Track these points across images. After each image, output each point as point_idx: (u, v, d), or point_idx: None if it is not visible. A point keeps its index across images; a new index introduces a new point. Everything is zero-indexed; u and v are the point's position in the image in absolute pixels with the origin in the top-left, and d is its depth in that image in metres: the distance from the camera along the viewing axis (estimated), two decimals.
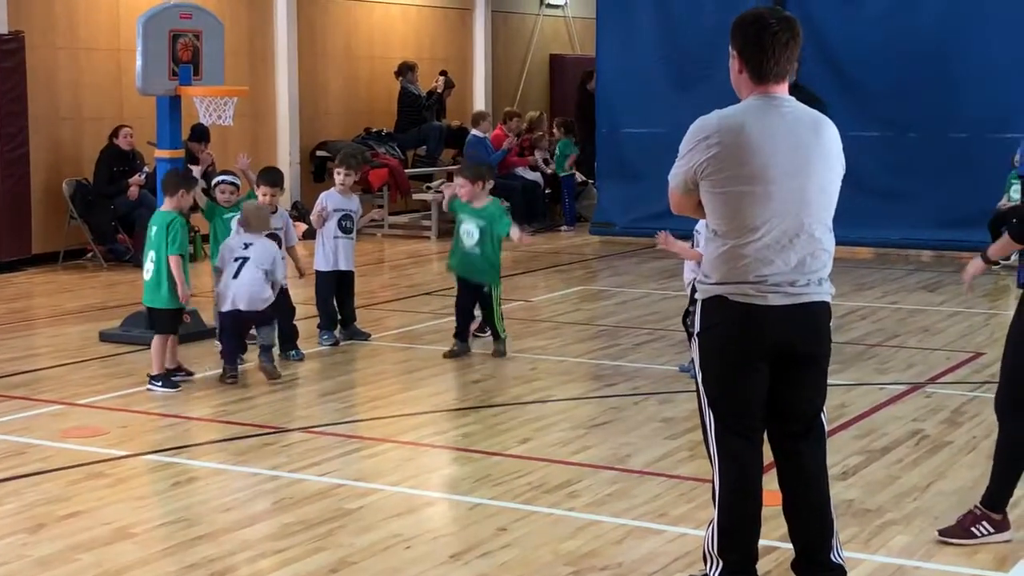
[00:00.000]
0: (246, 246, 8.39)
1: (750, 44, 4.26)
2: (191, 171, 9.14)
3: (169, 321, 8.27)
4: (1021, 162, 12.22)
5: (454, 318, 9.28)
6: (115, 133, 13.67)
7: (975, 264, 5.55)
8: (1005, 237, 5.42)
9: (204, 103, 9.68)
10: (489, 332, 9.31)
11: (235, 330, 8.46)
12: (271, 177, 9.19)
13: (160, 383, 8.11)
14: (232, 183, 9.31)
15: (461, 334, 9.20)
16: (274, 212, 9.06)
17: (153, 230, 8.24)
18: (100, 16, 14.37)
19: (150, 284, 8.21)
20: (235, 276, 8.30)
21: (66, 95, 14.13)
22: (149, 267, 8.20)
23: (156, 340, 8.20)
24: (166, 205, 8.37)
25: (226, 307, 8.33)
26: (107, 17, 14.43)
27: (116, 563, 5.21)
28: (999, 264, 6.49)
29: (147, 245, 8.30)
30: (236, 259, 8.34)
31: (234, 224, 8.78)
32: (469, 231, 9.13)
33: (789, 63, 4.27)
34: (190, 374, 8.42)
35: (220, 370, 8.47)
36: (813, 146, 4.27)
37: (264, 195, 9.02)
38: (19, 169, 13.27)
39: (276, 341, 8.65)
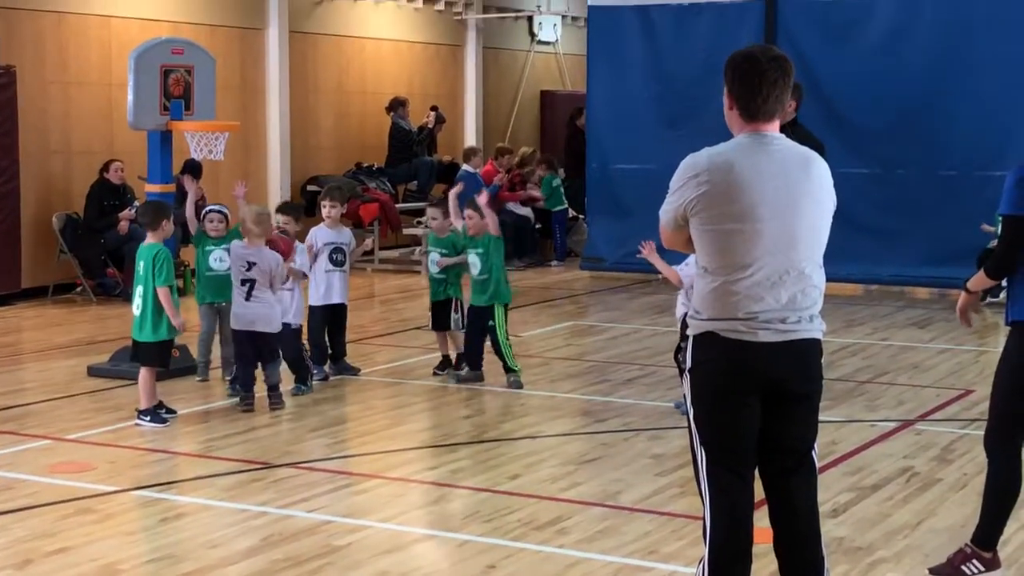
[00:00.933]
0: (250, 266, 8.45)
1: (740, 82, 4.28)
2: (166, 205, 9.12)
3: (157, 355, 8.22)
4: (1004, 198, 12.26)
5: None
6: (106, 167, 13.68)
7: (962, 299, 5.55)
8: (981, 271, 5.43)
9: (195, 138, 9.70)
10: (466, 367, 9.45)
11: (252, 354, 8.54)
12: (289, 207, 9.46)
13: (148, 418, 8.09)
14: (221, 212, 9.29)
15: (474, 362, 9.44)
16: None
17: (140, 265, 8.21)
18: (91, 51, 14.41)
19: (139, 318, 8.17)
20: (247, 299, 8.44)
21: (57, 129, 14.14)
22: (138, 302, 8.18)
23: (144, 374, 8.16)
24: (150, 239, 8.32)
25: (236, 325, 8.50)
26: (98, 52, 14.46)
27: None
28: (985, 299, 6.48)
29: (135, 280, 8.28)
30: (243, 282, 8.45)
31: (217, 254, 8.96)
32: (474, 262, 9.36)
33: (779, 102, 4.29)
34: (171, 411, 8.34)
35: (207, 405, 8.47)
36: (802, 184, 4.28)
37: (285, 223, 9.16)
38: (9, 203, 13.27)
39: (280, 378, 8.72)
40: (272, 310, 8.50)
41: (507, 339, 9.30)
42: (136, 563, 5.66)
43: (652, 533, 6.00)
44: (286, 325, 8.82)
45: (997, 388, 5.29)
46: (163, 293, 8.08)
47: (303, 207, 9.61)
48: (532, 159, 18.30)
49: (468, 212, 9.49)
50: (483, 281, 9.29)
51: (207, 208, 9.46)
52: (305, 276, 9.18)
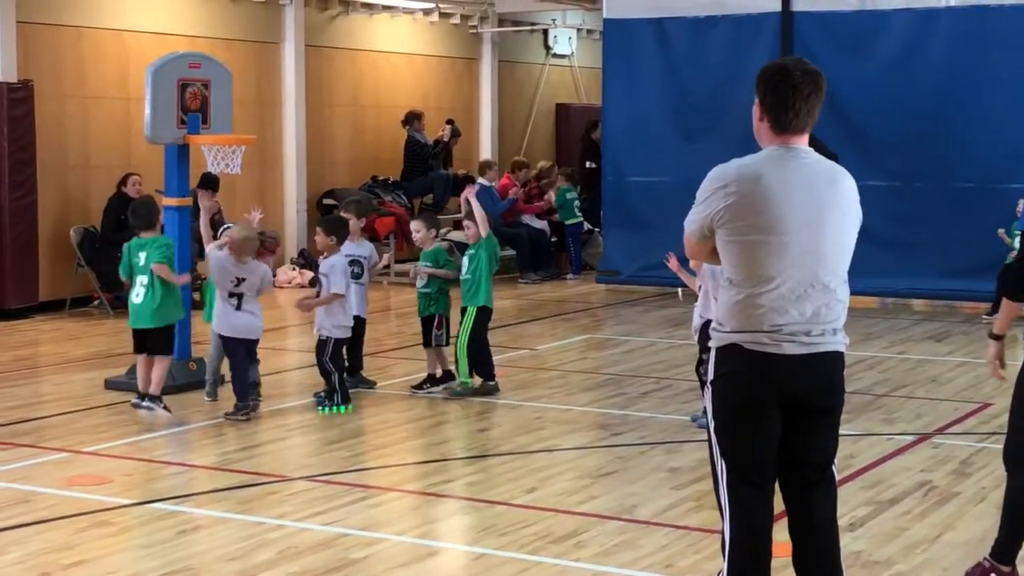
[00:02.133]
0: (239, 281, 8.65)
1: (772, 94, 4.27)
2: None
3: (169, 341, 8.59)
4: (1023, 214, 12.24)
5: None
6: (123, 181, 13.73)
7: (993, 348, 5.42)
8: (1003, 305, 5.36)
9: (212, 151, 9.72)
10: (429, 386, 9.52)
11: (248, 359, 8.78)
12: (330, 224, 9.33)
13: (162, 404, 8.42)
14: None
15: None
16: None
17: (142, 255, 8.45)
18: (109, 65, 14.47)
19: (144, 305, 8.42)
20: (237, 309, 8.68)
21: (74, 143, 14.20)
22: (140, 291, 8.41)
23: (163, 361, 8.50)
24: (145, 235, 8.63)
25: (229, 333, 8.71)
26: (116, 66, 14.53)
27: None
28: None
29: (135, 272, 8.51)
30: (231, 294, 8.65)
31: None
32: (463, 264, 9.54)
33: (811, 116, 4.28)
34: (165, 408, 8.54)
35: (225, 414, 8.53)
36: (830, 198, 4.28)
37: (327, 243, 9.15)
38: (27, 217, 13.32)
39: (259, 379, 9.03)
40: (258, 319, 8.80)
41: (465, 345, 9.24)
42: None
43: (669, 547, 5.98)
44: (327, 339, 8.85)
45: (1016, 402, 5.27)
46: (162, 269, 8.39)
47: (343, 225, 9.37)
48: (551, 172, 18.32)
49: (466, 223, 9.58)
50: (466, 281, 9.37)
51: (224, 226, 9.48)
52: (339, 296, 8.92)
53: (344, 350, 9.48)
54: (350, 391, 9.45)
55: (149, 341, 8.51)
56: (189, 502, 6.78)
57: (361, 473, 7.41)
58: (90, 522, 6.39)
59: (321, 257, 9.20)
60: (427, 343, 9.57)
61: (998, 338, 5.37)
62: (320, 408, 8.83)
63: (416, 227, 9.80)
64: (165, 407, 8.46)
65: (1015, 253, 12.87)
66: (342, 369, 8.96)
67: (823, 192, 4.26)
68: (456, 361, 9.33)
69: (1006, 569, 5.33)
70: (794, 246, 4.20)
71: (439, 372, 9.59)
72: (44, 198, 13.59)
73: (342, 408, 8.82)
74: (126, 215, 13.59)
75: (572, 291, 16.05)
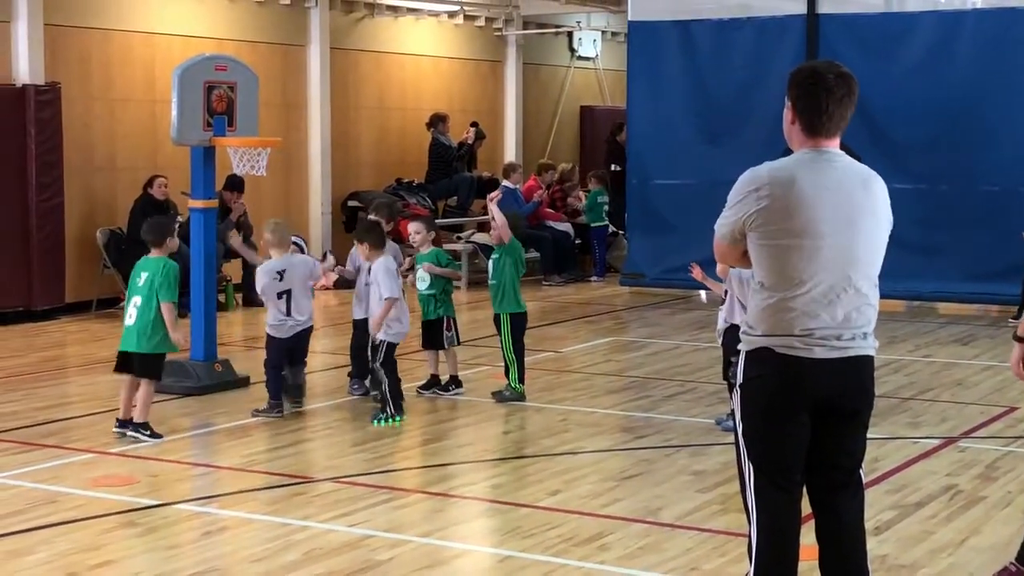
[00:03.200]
0: (280, 276, 8.76)
1: (805, 98, 4.26)
2: (174, 219, 9.13)
3: (157, 367, 8.22)
4: None
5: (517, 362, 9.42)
6: (149, 183, 13.80)
7: (1016, 351, 5.39)
8: None
9: (238, 153, 9.76)
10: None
11: (282, 364, 8.88)
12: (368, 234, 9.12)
13: (148, 432, 8.06)
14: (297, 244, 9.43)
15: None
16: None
17: (143, 276, 8.13)
18: (135, 68, 14.55)
19: (137, 329, 8.06)
20: (287, 313, 8.82)
21: (101, 145, 14.28)
22: (133, 312, 8.09)
23: (148, 387, 8.14)
24: (155, 253, 8.27)
25: (287, 334, 8.85)
26: (142, 69, 14.60)
27: None
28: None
29: (131, 291, 8.21)
30: (279, 294, 8.80)
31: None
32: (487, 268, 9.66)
33: (843, 120, 4.27)
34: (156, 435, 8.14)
35: (254, 416, 8.57)
36: (862, 202, 4.26)
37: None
38: (54, 218, 13.40)
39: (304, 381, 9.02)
40: (302, 318, 8.93)
41: (511, 350, 9.27)
42: None
43: (694, 550, 5.97)
44: (381, 342, 8.78)
45: None
46: (167, 308, 8.02)
47: (375, 228, 9.24)
48: (573, 174, 18.34)
49: (492, 225, 9.62)
50: (492, 287, 9.44)
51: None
52: (394, 300, 8.78)
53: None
54: (373, 392, 9.47)
55: (136, 363, 8.12)
56: (215, 503, 6.81)
57: (386, 475, 7.42)
58: (116, 523, 6.43)
59: (369, 263, 9.00)
60: (430, 345, 9.57)
61: (1023, 340, 5.34)
62: (374, 421, 8.62)
63: (416, 228, 9.75)
64: (152, 433, 8.07)
65: None
66: (394, 377, 8.79)
67: (856, 196, 4.25)
68: (506, 368, 9.32)
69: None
70: (826, 250, 4.19)
71: (446, 376, 9.58)
72: (70, 200, 13.67)
73: (396, 420, 8.64)
74: (152, 216, 13.72)
75: (596, 293, 16.04)
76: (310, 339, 9.17)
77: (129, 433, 8.05)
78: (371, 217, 9.85)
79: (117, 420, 8.19)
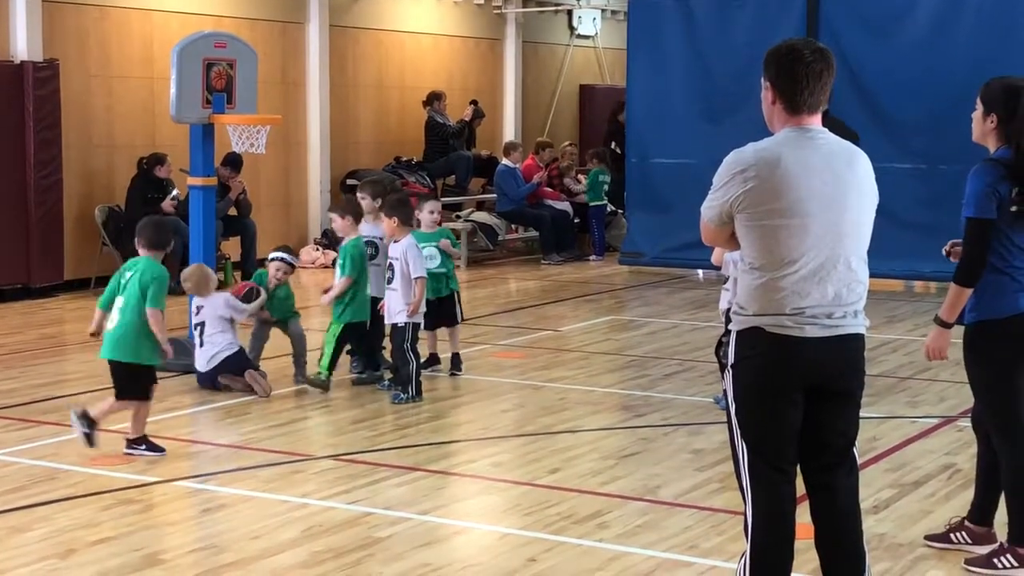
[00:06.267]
0: (198, 310, 9.00)
1: (784, 75, 4.25)
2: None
3: (136, 381, 7.30)
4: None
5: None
6: (149, 162, 13.76)
7: (940, 336, 5.39)
8: (952, 289, 5.28)
9: (237, 131, 9.74)
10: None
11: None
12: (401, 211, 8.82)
13: (144, 447, 7.27)
14: (288, 262, 9.38)
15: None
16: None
17: (130, 276, 7.29)
18: (134, 45, 14.51)
19: (116, 335, 7.25)
20: (200, 345, 8.93)
21: (99, 123, 14.25)
22: (115, 316, 7.24)
23: (141, 403, 7.32)
24: (151, 255, 7.42)
25: (204, 368, 8.95)
26: (140, 46, 14.56)
27: None
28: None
29: (116, 290, 7.33)
30: (195, 325, 8.97)
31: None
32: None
33: (823, 94, 4.26)
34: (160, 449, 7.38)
35: (249, 397, 8.60)
36: (848, 178, 4.26)
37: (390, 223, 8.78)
38: (52, 196, 13.38)
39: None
40: (224, 346, 8.90)
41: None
42: (178, 553, 5.70)
43: (692, 528, 5.99)
44: (393, 325, 8.69)
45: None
46: (155, 316, 7.23)
47: (404, 203, 8.98)
48: (570, 154, 18.33)
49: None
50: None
51: (274, 255, 9.43)
52: (422, 277, 8.65)
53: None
54: (377, 372, 9.49)
55: (115, 378, 7.30)
56: (213, 480, 6.82)
57: (385, 452, 7.43)
58: (115, 500, 6.44)
59: (392, 241, 8.78)
60: (437, 323, 9.45)
61: (948, 326, 5.34)
62: (394, 400, 8.57)
63: (432, 208, 9.71)
64: (150, 447, 7.28)
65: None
66: (419, 358, 8.74)
67: (842, 173, 4.25)
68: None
69: (1022, 551, 5.33)
70: (815, 228, 4.19)
71: (448, 352, 9.56)
72: (69, 177, 13.65)
73: (417, 399, 8.60)
74: (152, 194, 13.72)
75: (595, 272, 16.04)
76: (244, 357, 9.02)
77: (124, 452, 7.25)
78: (358, 194, 9.73)
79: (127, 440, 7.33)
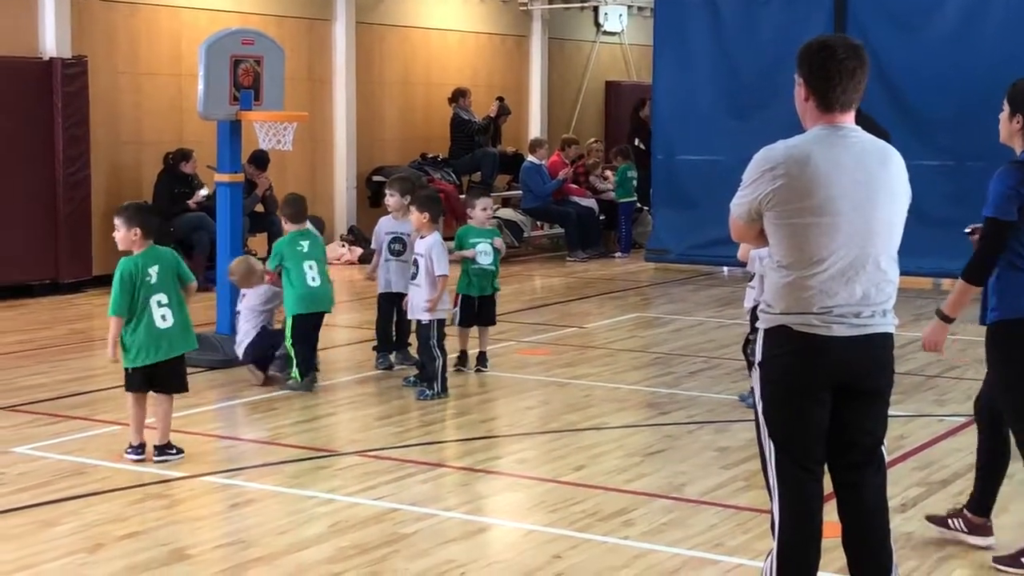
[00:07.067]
0: (241, 299, 9.16)
1: (816, 72, 4.22)
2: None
3: (185, 371, 7.25)
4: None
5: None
6: (175, 158, 13.83)
7: (935, 330, 5.43)
8: (959, 284, 5.33)
9: (264, 128, 9.76)
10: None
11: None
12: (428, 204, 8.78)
13: (173, 450, 7.12)
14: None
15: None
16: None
17: (153, 272, 7.00)
18: (161, 42, 14.57)
19: (175, 328, 7.04)
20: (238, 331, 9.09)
21: (127, 119, 14.32)
22: (165, 312, 6.99)
23: (169, 403, 7.16)
24: (148, 244, 7.11)
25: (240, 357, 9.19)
26: (168, 43, 14.62)
27: None
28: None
29: (148, 291, 6.98)
30: (235, 313, 9.17)
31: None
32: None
33: (856, 92, 4.23)
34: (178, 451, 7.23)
35: (275, 393, 8.66)
36: (880, 177, 4.23)
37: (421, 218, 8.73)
38: (80, 192, 13.46)
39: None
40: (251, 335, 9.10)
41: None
42: (205, 548, 5.72)
43: (718, 526, 5.98)
44: (418, 322, 8.68)
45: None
46: (193, 288, 7.26)
47: (436, 201, 9.02)
48: (596, 151, 18.31)
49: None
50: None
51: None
52: (445, 276, 8.59)
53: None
54: (397, 367, 9.51)
55: (174, 374, 7.12)
56: (241, 475, 6.84)
57: (410, 449, 7.44)
58: (143, 494, 6.47)
59: (419, 237, 8.79)
60: (474, 321, 9.45)
61: (949, 320, 5.37)
62: (420, 396, 8.57)
63: (484, 204, 9.63)
64: (177, 450, 7.15)
65: None
66: (446, 354, 8.70)
67: (873, 171, 4.22)
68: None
69: (978, 520, 5.50)
70: (844, 227, 4.16)
71: (475, 350, 9.56)
72: (97, 173, 13.72)
73: (442, 397, 8.60)
74: (179, 189, 13.79)
75: (620, 269, 16.02)
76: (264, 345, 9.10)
77: (157, 459, 7.04)
78: (387, 191, 9.78)
79: (133, 448, 7.10)
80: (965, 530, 5.67)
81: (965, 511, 5.71)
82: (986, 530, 5.66)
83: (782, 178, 4.16)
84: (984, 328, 5.50)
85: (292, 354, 8.82)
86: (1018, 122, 5.33)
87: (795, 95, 4.31)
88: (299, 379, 8.78)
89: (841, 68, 4.19)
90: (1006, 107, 5.39)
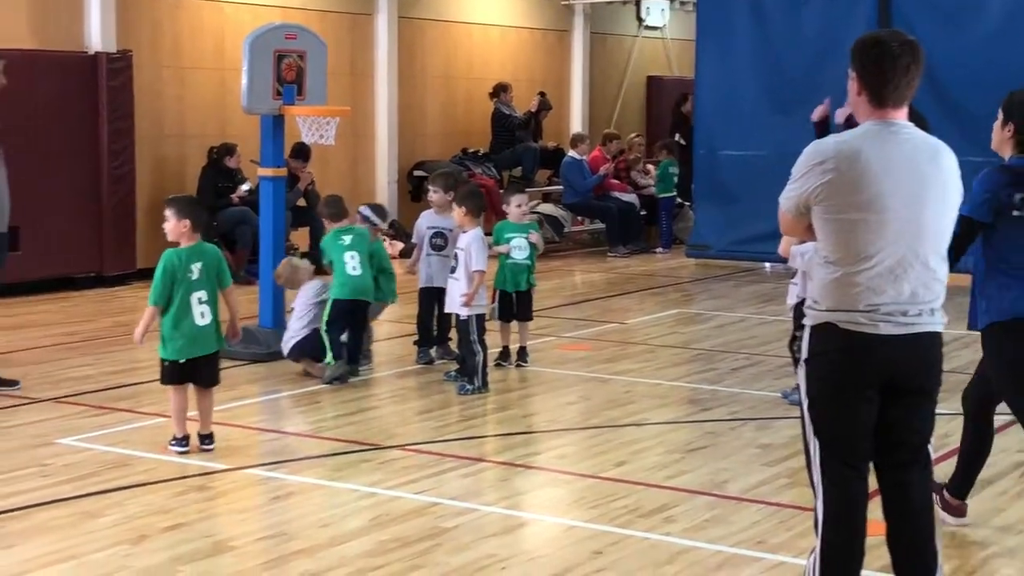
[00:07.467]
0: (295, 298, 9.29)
1: (870, 67, 4.20)
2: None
3: (219, 365, 7.34)
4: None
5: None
6: (219, 152, 13.91)
7: None
8: None
9: (307, 123, 9.79)
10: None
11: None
12: (475, 201, 8.85)
13: (212, 441, 7.20)
14: (369, 220, 9.50)
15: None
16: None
17: (196, 268, 7.04)
18: (205, 36, 14.65)
19: (211, 327, 7.09)
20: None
21: (171, 113, 14.41)
22: (204, 309, 7.03)
23: (209, 395, 7.23)
24: (195, 239, 7.15)
25: (285, 352, 9.24)
26: (212, 37, 14.70)
27: None
28: None
29: (188, 288, 7.02)
30: (289, 309, 9.32)
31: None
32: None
33: (909, 88, 4.20)
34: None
35: (317, 386, 8.67)
36: (931, 175, 4.20)
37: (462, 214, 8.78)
38: (124, 185, 13.57)
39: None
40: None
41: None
42: (248, 540, 5.76)
43: (760, 523, 5.95)
44: (457, 316, 8.72)
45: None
46: (232, 290, 7.29)
47: (477, 195, 9.08)
48: (638, 146, 18.26)
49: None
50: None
51: (365, 211, 9.62)
52: (481, 271, 8.62)
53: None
54: (438, 362, 9.52)
55: (210, 369, 7.17)
56: (283, 468, 6.88)
57: (451, 443, 7.46)
58: (186, 486, 6.51)
59: (461, 231, 8.83)
60: (512, 316, 9.46)
61: None
62: (461, 391, 8.57)
63: (520, 201, 9.66)
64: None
65: None
66: (486, 349, 8.70)
67: (924, 169, 4.19)
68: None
69: (955, 502, 5.74)
70: (893, 224, 4.13)
71: (515, 344, 9.57)
72: (141, 167, 13.82)
73: (484, 391, 8.61)
74: (222, 183, 13.88)
75: (661, 265, 15.98)
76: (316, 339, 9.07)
77: (203, 448, 7.13)
78: (430, 187, 9.83)
79: (177, 440, 7.13)
80: (941, 508, 5.77)
81: (944, 491, 5.88)
82: (961, 511, 5.87)
83: (831, 172, 4.14)
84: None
85: (324, 338, 8.89)
86: (1009, 131, 5.45)
87: (848, 89, 4.28)
88: (329, 364, 8.86)
89: (895, 64, 4.16)
90: (1000, 115, 5.49)
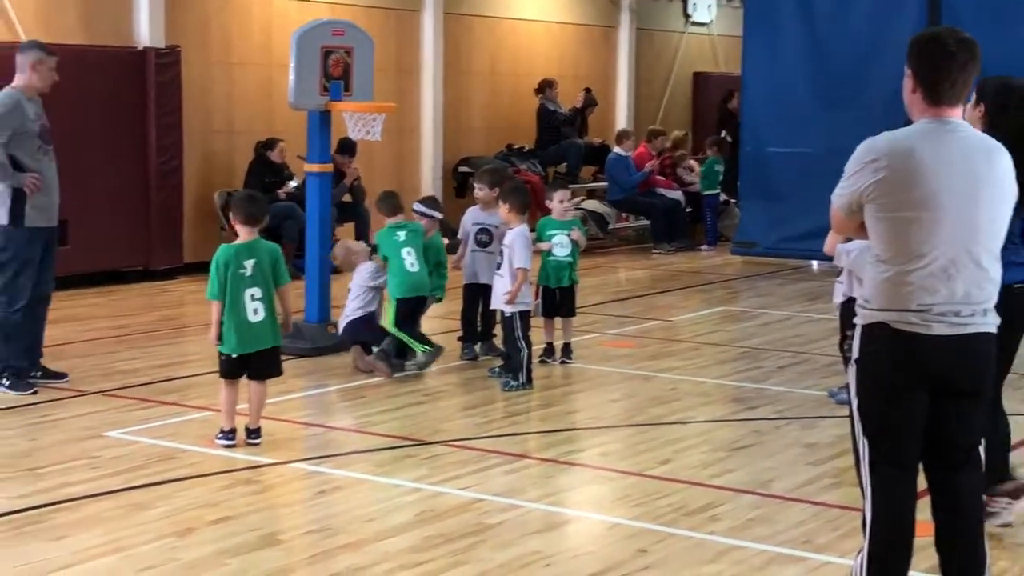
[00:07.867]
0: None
1: (926, 64, 4.17)
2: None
3: (280, 357, 7.40)
4: None
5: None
6: (266, 146, 13.98)
7: None
8: None
9: (353, 118, 9.83)
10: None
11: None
12: (520, 199, 8.89)
13: (259, 436, 7.25)
14: (425, 214, 9.50)
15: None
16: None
17: (249, 265, 7.06)
18: (253, 32, 14.73)
19: (266, 323, 7.11)
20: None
21: (219, 109, 14.50)
22: (257, 306, 7.05)
23: (262, 389, 7.26)
24: (252, 235, 7.21)
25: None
26: (260, 33, 14.78)
27: (262, 569, 5.32)
28: None
29: (242, 285, 7.04)
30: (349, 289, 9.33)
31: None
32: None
33: (965, 86, 4.17)
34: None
35: (363, 380, 8.73)
36: (985, 174, 4.16)
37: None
38: (172, 180, 13.67)
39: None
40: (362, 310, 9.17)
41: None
42: (295, 534, 5.80)
43: (806, 523, 5.92)
44: (501, 313, 8.74)
45: None
46: (287, 290, 7.26)
47: (520, 191, 9.12)
48: (684, 143, 18.19)
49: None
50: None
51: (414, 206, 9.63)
52: (524, 269, 8.62)
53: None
54: (482, 358, 9.54)
55: (267, 361, 7.21)
56: (328, 463, 6.91)
57: (495, 439, 7.47)
58: (232, 480, 6.56)
59: (507, 227, 8.87)
60: (556, 312, 9.47)
61: None
62: (505, 387, 8.58)
63: (562, 196, 9.74)
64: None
65: None
66: (531, 345, 8.71)
67: (979, 168, 4.15)
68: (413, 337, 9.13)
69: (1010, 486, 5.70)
70: (946, 223, 4.10)
71: (560, 341, 9.55)
72: (189, 162, 13.92)
73: (528, 387, 8.61)
74: (269, 179, 13.94)
75: (707, 262, 15.92)
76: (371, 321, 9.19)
77: (250, 442, 7.17)
78: (475, 184, 9.84)
79: (224, 433, 7.17)
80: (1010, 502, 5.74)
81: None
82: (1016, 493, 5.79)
83: (884, 170, 4.11)
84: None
85: (401, 337, 8.95)
86: (980, 111, 5.55)
87: (903, 87, 4.25)
88: (423, 351, 8.96)
89: (951, 62, 4.13)
90: (974, 97, 5.59)
